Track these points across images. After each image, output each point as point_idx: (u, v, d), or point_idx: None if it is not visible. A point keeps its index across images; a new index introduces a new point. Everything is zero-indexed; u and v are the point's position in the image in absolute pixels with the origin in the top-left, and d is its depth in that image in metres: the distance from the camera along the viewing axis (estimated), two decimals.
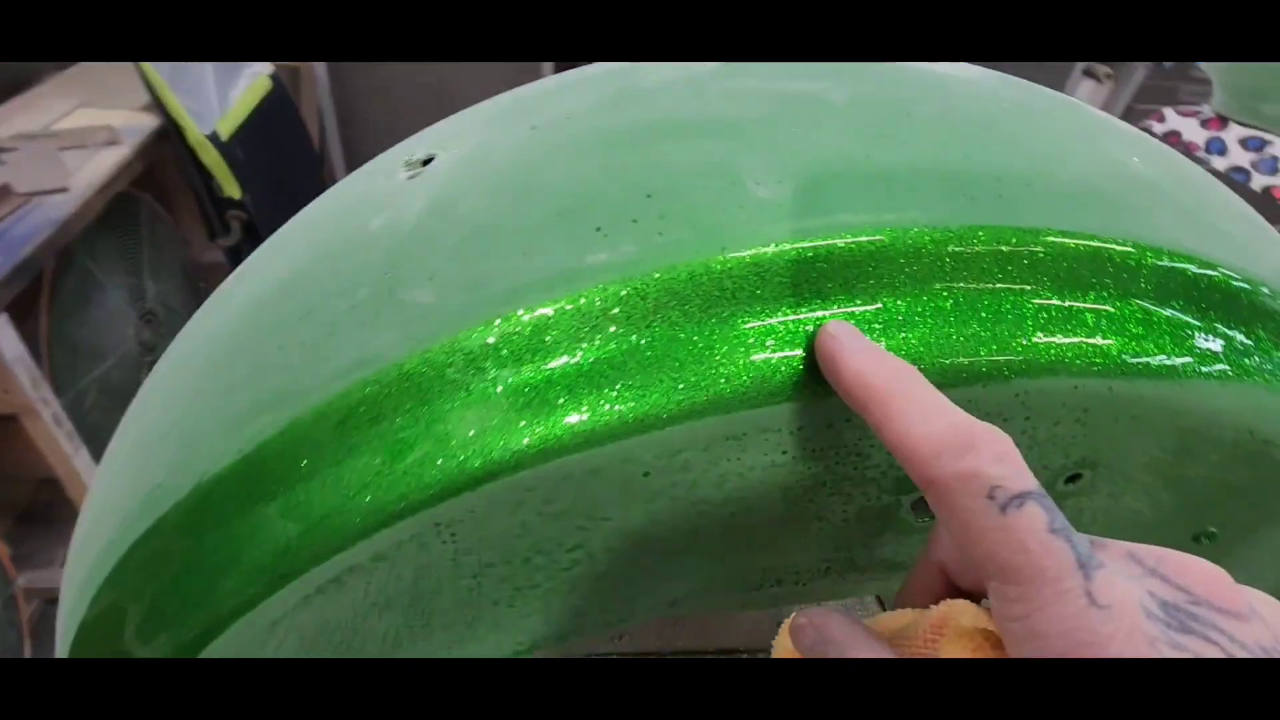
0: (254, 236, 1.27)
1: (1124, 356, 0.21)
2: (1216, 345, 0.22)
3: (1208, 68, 1.12)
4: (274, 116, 1.40)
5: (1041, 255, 0.21)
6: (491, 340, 0.20)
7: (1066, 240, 0.21)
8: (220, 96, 1.26)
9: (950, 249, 0.20)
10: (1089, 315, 0.21)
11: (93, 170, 1.05)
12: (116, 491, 0.25)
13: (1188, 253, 0.22)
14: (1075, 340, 0.21)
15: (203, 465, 0.22)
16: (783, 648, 0.21)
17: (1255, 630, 0.15)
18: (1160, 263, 0.22)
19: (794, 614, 0.20)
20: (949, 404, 0.17)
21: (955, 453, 0.16)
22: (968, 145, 0.23)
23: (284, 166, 1.44)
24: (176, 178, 1.31)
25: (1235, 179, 1.06)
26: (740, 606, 0.28)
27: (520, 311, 0.20)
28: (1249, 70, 1.05)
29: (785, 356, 0.19)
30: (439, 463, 0.20)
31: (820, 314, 0.20)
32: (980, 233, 0.20)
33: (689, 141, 0.23)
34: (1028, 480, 0.16)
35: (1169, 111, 1.16)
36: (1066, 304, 0.21)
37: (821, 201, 0.21)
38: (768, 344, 0.20)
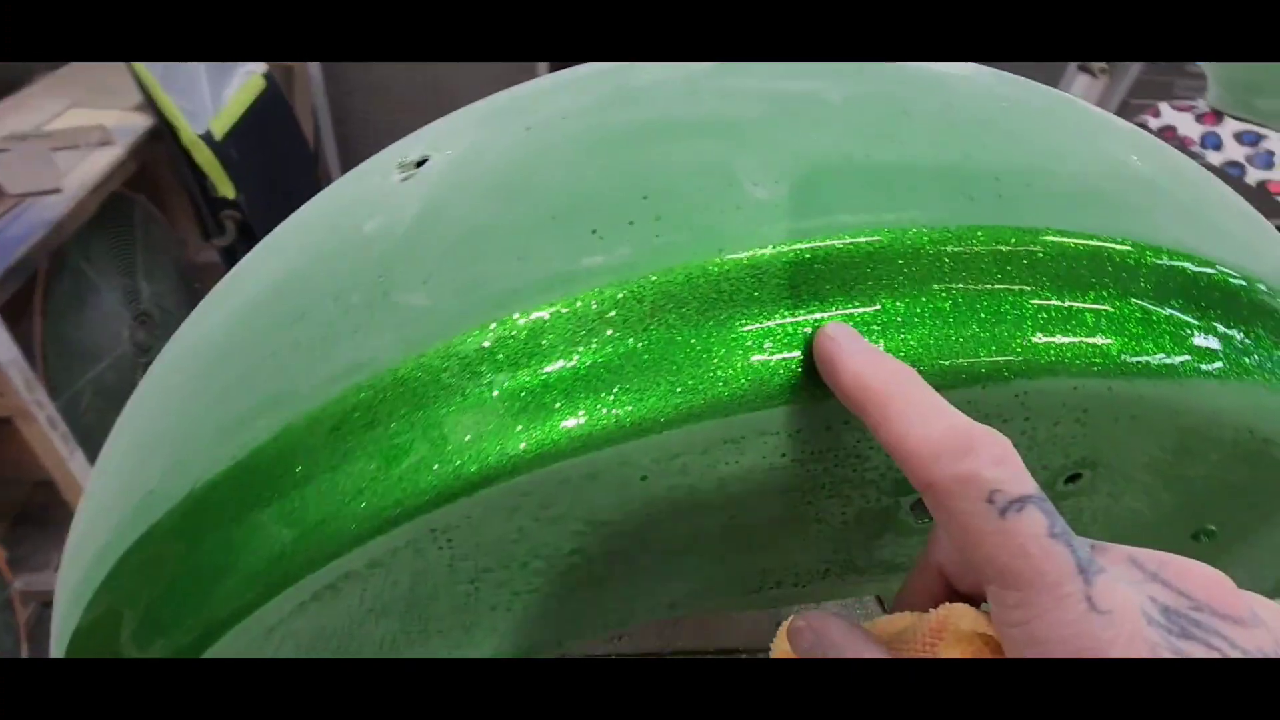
0: (249, 236, 1.27)
1: (1124, 356, 0.21)
2: (1216, 344, 0.22)
3: (1203, 63, 1.13)
4: (268, 115, 1.40)
5: (1041, 255, 0.21)
6: (487, 344, 0.19)
7: (1065, 240, 0.21)
8: (213, 96, 1.25)
9: (949, 249, 0.20)
10: (1088, 315, 0.21)
11: (85, 171, 1.05)
12: (110, 497, 0.25)
13: (1187, 251, 0.22)
14: (1075, 340, 0.20)
15: (196, 471, 0.21)
16: (780, 650, 0.21)
17: (1258, 636, 0.15)
18: (1159, 261, 0.22)
19: (792, 617, 0.20)
20: (948, 406, 0.17)
21: (954, 456, 0.16)
22: (967, 144, 0.22)
23: (279, 166, 1.44)
24: (170, 178, 1.31)
25: (1230, 173, 1.06)
26: (740, 608, 0.28)
27: (515, 315, 0.19)
28: (1244, 65, 1.05)
29: (783, 359, 0.19)
30: (435, 468, 0.19)
31: (818, 316, 0.20)
32: (979, 233, 0.20)
33: (685, 142, 0.23)
34: (1027, 484, 0.16)
35: (1164, 106, 1.16)
36: (1066, 304, 0.21)
37: (819, 202, 0.21)
38: (765, 346, 0.19)
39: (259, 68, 1.39)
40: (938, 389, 0.19)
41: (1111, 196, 0.23)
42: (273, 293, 0.24)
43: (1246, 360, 0.22)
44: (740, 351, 0.19)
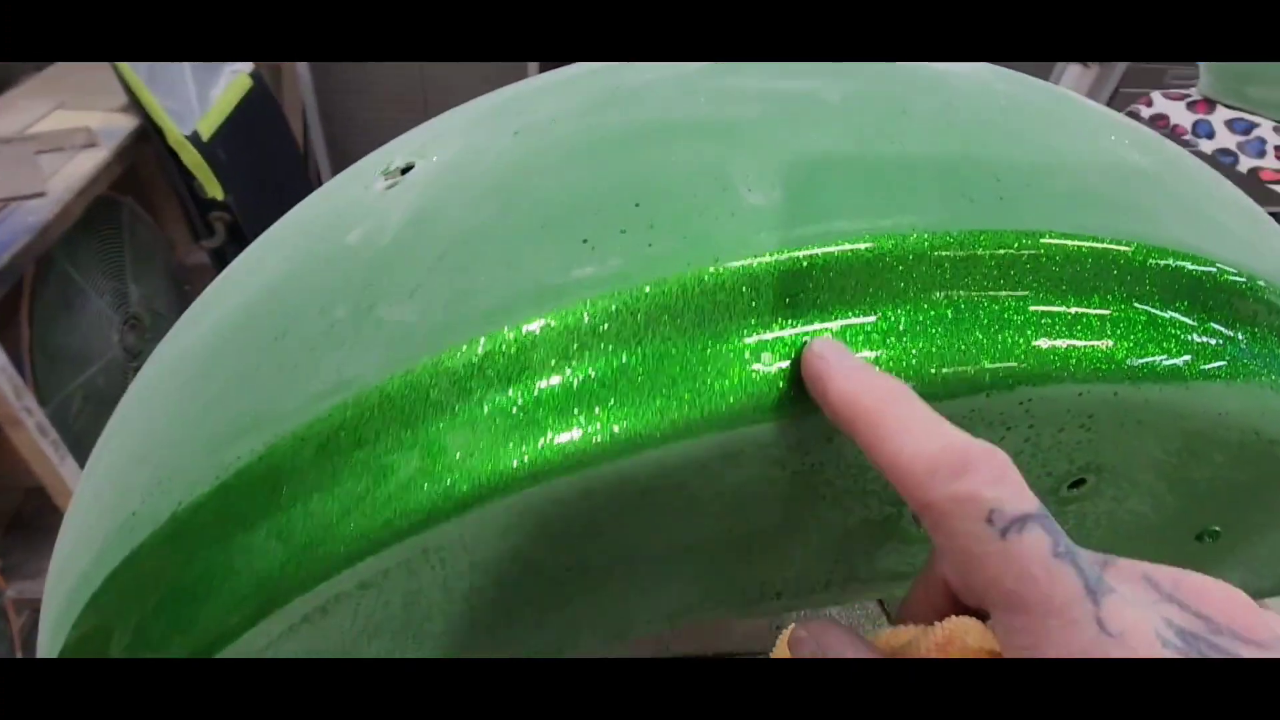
0: (238, 238, 1.26)
1: (1129, 361, 0.20)
2: (1221, 347, 0.22)
3: None
4: (255, 115, 1.38)
5: (1043, 259, 0.20)
6: (476, 360, 0.19)
7: (1067, 242, 0.21)
8: (200, 96, 1.24)
9: (950, 255, 0.20)
10: (1093, 319, 0.20)
11: (71, 173, 1.03)
12: (93, 517, 0.24)
13: (1190, 252, 0.22)
14: (1079, 345, 0.20)
15: (179, 493, 0.21)
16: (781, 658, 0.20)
17: None
18: (1163, 263, 0.21)
19: (793, 625, 0.20)
20: (943, 423, 0.17)
21: (950, 475, 0.15)
22: (967, 144, 0.22)
23: (267, 166, 1.42)
24: (158, 180, 1.29)
25: (1222, 161, 1.06)
26: (740, 618, 0.28)
27: (505, 329, 0.19)
28: None
29: (781, 370, 0.19)
30: (425, 487, 0.19)
31: (817, 326, 0.19)
32: (982, 237, 0.20)
33: (677, 145, 0.22)
34: (1028, 501, 0.15)
35: (1156, 95, 1.16)
36: (1069, 309, 0.20)
37: (816, 207, 0.20)
38: (763, 358, 0.19)
39: (245, 67, 1.37)
40: (940, 398, 0.19)
41: (1113, 196, 0.22)
42: (256, 306, 0.23)
43: (1251, 362, 0.22)
44: (737, 364, 0.19)
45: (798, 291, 0.19)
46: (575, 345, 0.19)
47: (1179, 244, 0.22)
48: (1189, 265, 0.21)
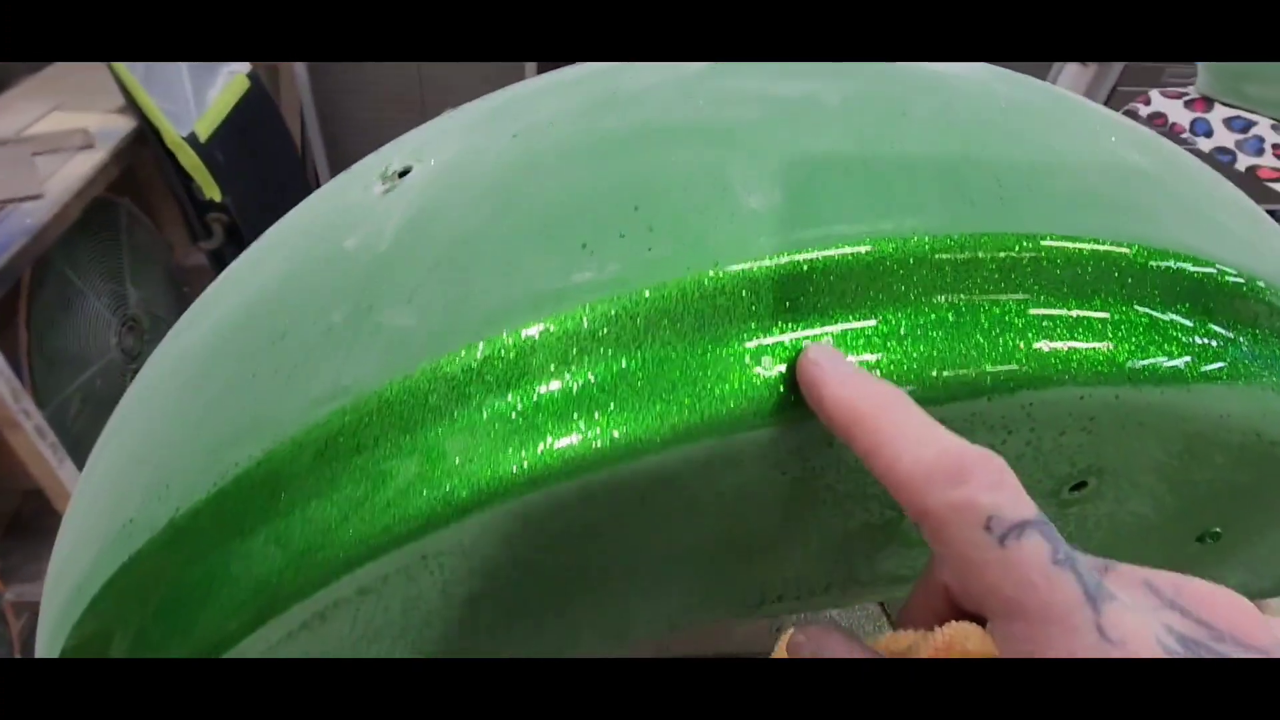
0: (237, 239, 1.25)
1: (1131, 363, 0.20)
2: (1222, 348, 0.22)
3: None
4: (253, 116, 1.38)
5: (1044, 261, 0.20)
6: (475, 365, 0.19)
7: (1068, 244, 0.21)
8: (197, 97, 1.24)
9: (951, 258, 0.20)
10: (1094, 322, 0.20)
11: (68, 175, 1.03)
12: (91, 522, 0.24)
13: (1191, 253, 0.22)
14: (1080, 348, 0.20)
15: (177, 499, 0.21)
16: None
17: None
18: (1164, 264, 0.21)
19: (792, 630, 0.20)
20: (939, 429, 0.16)
21: (947, 482, 0.15)
22: (967, 146, 0.22)
23: (265, 167, 1.42)
24: (156, 181, 1.29)
25: (1220, 160, 1.06)
26: (740, 621, 0.28)
27: (504, 334, 0.19)
28: None
29: (781, 374, 0.19)
30: (424, 493, 0.19)
31: (817, 330, 0.19)
32: (983, 240, 0.20)
33: (676, 148, 0.22)
34: (1026, 507, 0.15)
35: (1154, 93, 1.16)
36: (1071, 311, 0.20)
37: (816, 211, 0.20)
38: (763, 362, 0.19)
39: (243, 67, 1.37)
40: (941, 401, 0.19)
41: (1114, 197, 0.22)
42: (253, 311, 0.23)
43: (1252, 363, 0.22)
44: (737, 368, 0.19)
45: (798, 295, 0.19)
46: (574, 350, 0.19)
47: (1179, 245, 0.22)
48: (1189, 267, 0.21)
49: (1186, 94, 1.12)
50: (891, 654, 0.19)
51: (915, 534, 0.24)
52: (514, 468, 0.18)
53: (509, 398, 0.19)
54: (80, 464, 1.01)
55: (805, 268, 0.19)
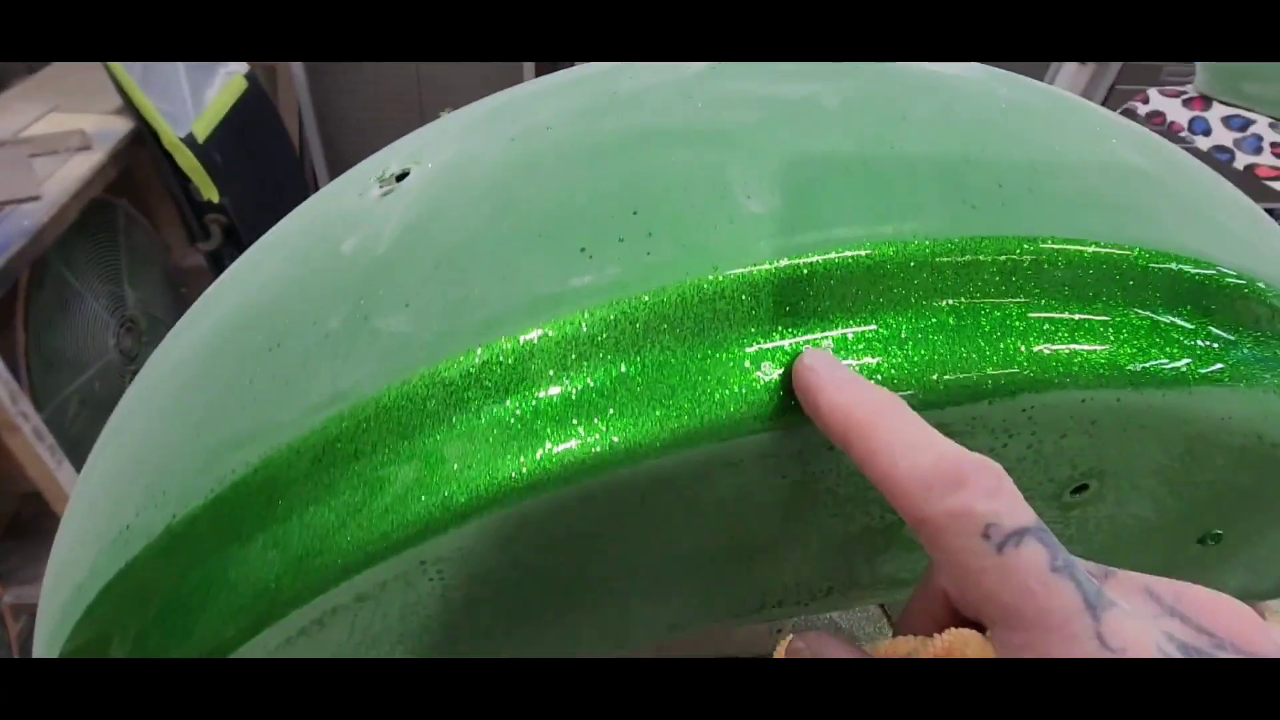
0: (235, 240, 1.25)
1: (1132, 366, 0.20)
2: (1223, 350, 0.21)
3: None
4: (251, 116, 1.38)
5: (1045, 264, 0.20)
6: (473, 370, 0.19)
7: (1070, 247, 0.20)
8: (194, 97, 1.24)
9: (951, 261, 0.19)
10: (1095, 325, 0.20)
11: (65, 176, 1.03)
12: (88, 527, 0.24)
13: (1192, 255, 0.22)
14: (1082, 351, 0.20)
15: (173, 506, 0.21)
16: None
17: None
18: (1165, 267, 0.21)
19: (791, 636, 0.20)
20: (936, 435, 0.16)
21: (944, 489, 0.15)
22: (967, 147, 0.22)
23: (263, 167, 1.42)
24: (153, 182, 1.29)
25: (1219, 158, 1.06)
26: (740, 625, 0.27)
27: (502, 339, 0.19)
28: None
29: (781, 379, 0.19)
30: (422, 499, 0.19)
31: (817, 334, 0.19)
32: (984, 243, 0.20)
33: (675, 152, 0.22)
34: (1024, 514, 0.15)
35: (1153, 92, 1.16)
36: (1072, 315, 0.20)
37: (816, 214, 0.20)
38: (763, 366, 0.19)
39: (240, 68, 1.37)
40: (942, 405, 0.19)
41: (1114, 199, 0.22)
42: (250, 316, 0.23)
43: (1253, 365, 0.22)
44: (737, 373, 0.19)
45: (798, 299, 0.19)
46: (573, 355, 0.19)
47: (1180, 247, 0.22)
48: (1190, 269, 0.21)
49: (1185, 92, 1.12)
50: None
51: (914, 538, 0.24)
52: (513, 473, 0.18)
53: (508, 403, 0.19)
54: (78, 466, 1.01)
55: (805, 271, 0.19)
